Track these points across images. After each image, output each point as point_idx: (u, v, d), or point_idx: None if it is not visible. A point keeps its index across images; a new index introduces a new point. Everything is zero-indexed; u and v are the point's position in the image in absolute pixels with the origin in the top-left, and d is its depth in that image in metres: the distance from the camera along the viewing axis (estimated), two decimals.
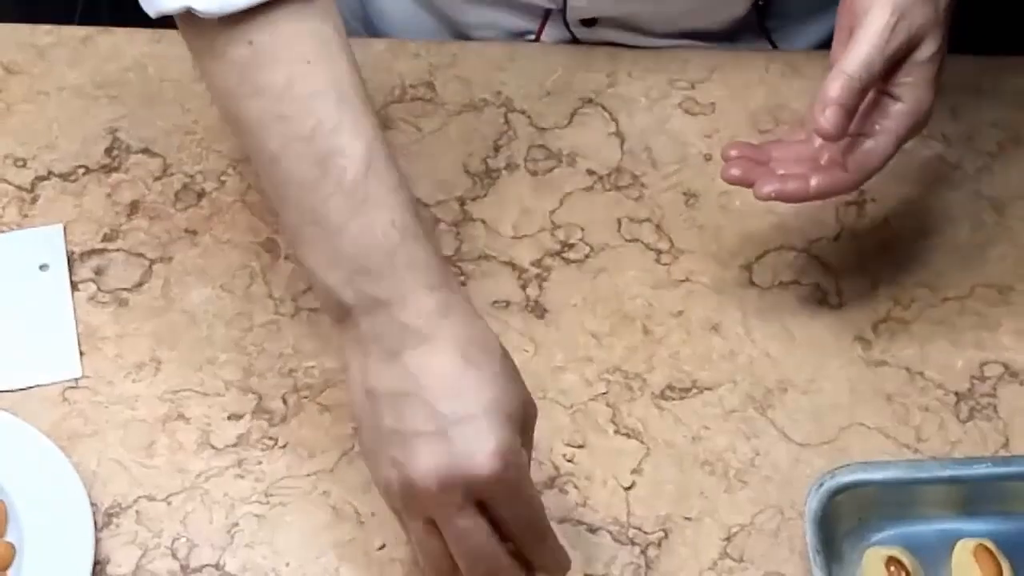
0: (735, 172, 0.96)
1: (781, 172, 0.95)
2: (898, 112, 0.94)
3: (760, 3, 1.13)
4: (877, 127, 0.94)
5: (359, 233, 0.83)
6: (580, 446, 0.97)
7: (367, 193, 0.83)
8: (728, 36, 1.15)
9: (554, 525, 0.94)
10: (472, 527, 0.82)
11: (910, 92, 0.93)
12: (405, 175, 0.86)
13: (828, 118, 0.90)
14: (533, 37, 1.15)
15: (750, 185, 0.95)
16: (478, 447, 0.81)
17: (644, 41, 1.14)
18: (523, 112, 1.11)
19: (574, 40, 1.15)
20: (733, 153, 0.96)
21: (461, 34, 1.17)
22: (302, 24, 0.85)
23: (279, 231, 1.04)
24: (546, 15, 1.14)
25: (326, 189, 0.83)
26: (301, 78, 0.84)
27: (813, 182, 0.94)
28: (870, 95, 0.93)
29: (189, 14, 0.85)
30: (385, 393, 0.83)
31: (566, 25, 1.13)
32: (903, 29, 0.91)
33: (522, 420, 0.84)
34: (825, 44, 0.99)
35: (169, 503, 0.94)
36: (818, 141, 0.95)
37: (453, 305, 0.84)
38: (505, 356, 0.85)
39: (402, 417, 0.82)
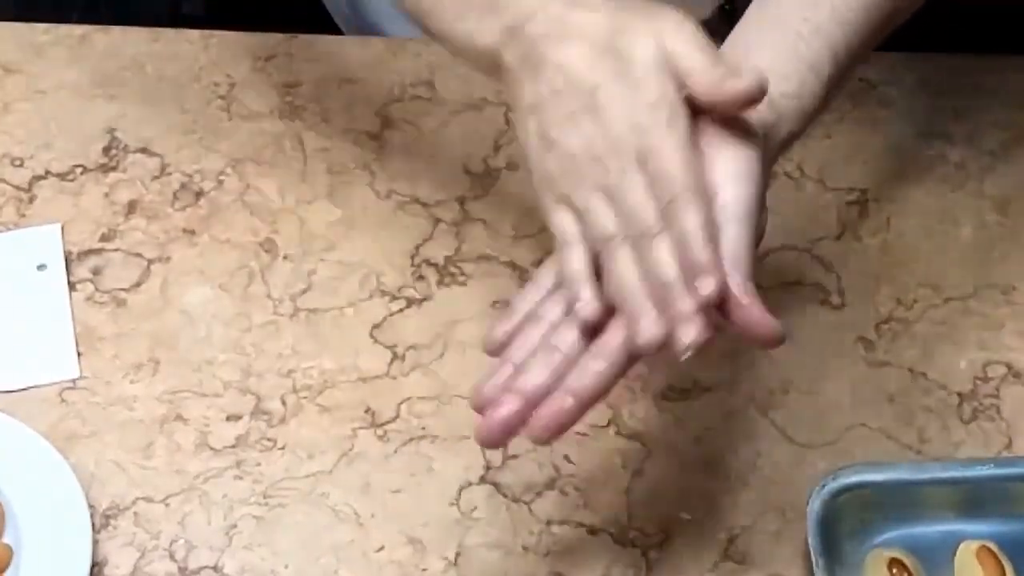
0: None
1: None
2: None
3: (726, 7, 1.13)
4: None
5: None
6: (580, 447, 0.97)
7: None
8: None
9: (554, 526, 0.94)
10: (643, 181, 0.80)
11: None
12: None
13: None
14: None
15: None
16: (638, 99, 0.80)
17: None
18: None
19: None
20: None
21: None
22: None
23: (278, 231, 1.04)
24: None
25: None
26: None
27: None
28: None
29: None
30: (537, 102, 0.82)
31: None
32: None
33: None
34: None
35: (167, 504, 0.94)
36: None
37: (575, 5, 0.83)
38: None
39: (554, 110, 0.81)
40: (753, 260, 0.81)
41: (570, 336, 0.81)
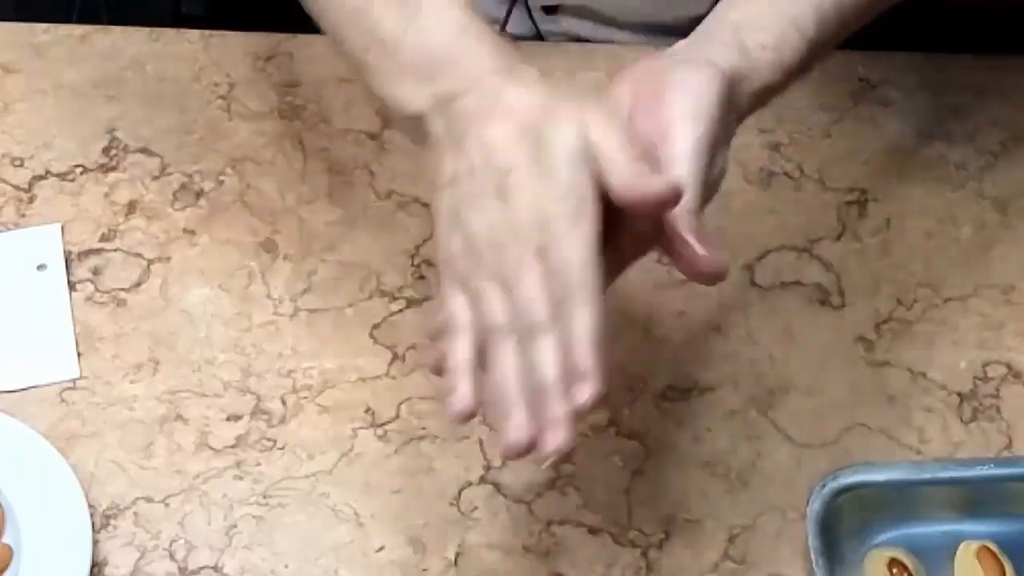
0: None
1: None
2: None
3: None
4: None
5: (415, 40, 0.83)
6: (580, 447, 0.97)
7: (419, 2, 0.84)
8: (691, 33, 1.16)
9: (554, 527, 0.94)
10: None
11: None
12: None
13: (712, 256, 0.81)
14: (497, 27, 1.16)
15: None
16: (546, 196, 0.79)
17: (606, 34, 1.15)
18: None
19: (538, 32, 1.16)
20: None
21: None
22: None
23: (278, 231, 1.04)
24: (512, 2, 1.14)
25: (379, 7, 0.84)
26: None
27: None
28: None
29: None
30: (453, 177, 0.81)
31: (529, 13, 1.14)
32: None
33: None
34: None
35: (167, 504, 0.94)
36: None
37: (516, 78, 0.82)
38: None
39: (466, 189, 0.80)
40: (701, 200, 0.80)
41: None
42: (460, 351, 0.80)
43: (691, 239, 0.79)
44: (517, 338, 0.78)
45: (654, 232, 0.81)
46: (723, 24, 0.85)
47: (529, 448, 0.77)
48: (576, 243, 0.78)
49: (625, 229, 0.81)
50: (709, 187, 0.82)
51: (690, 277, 0.81)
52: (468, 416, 0.79)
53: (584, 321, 0.77)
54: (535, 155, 0.79)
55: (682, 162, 0.80)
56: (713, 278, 0.81)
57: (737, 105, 0.83)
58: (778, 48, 0.84)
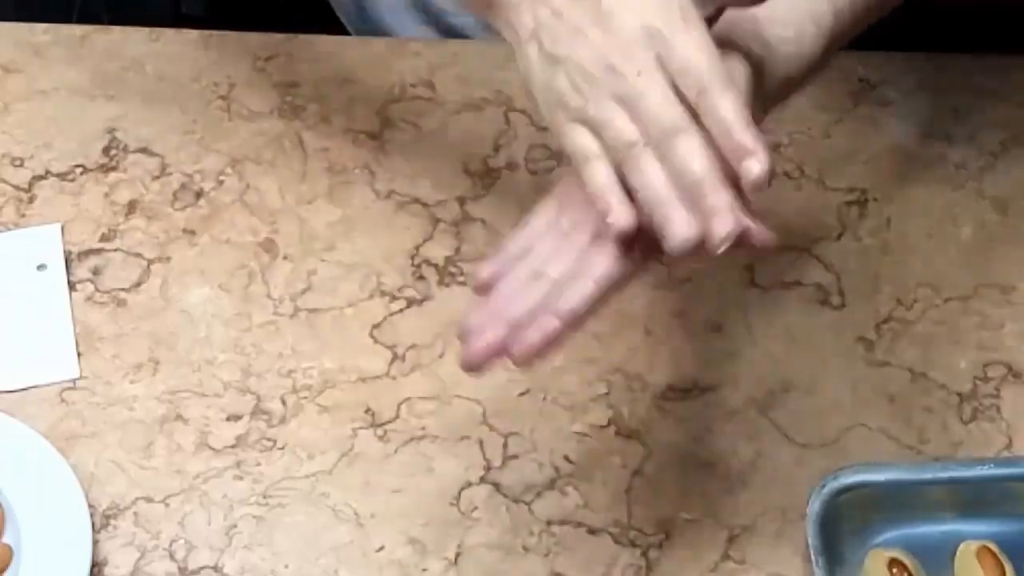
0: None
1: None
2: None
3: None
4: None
5: None
6: (580, 447, 0.97)
7: None
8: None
9: (554, 527, 0.94)
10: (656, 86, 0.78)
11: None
12: None
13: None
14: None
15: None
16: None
17: None
18: (523, 111, 1.10)
19: None
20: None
21: (449, 30, 1.17)
22: None
23: (278, 231, 1.04)
24: None
25: None
26: None
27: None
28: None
29: None
30: (537, 26, 0.81)
31: None
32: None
33: None
34: None
35: (167, 504, 0.94)
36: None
37: None
38: None
39: (557, 29, 0.80)
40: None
41: (561, 264, 0.80)
42: (602, 172, 0.79)
43: (752, 142, 0.77)
44: (655, 148, 0.78)
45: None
46: (744, 17, 0.85)
47: (700, 242, 0.77)
48: (694, 41, 0.78)
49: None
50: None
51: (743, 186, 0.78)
52: (633, 228, 0.78)
53: (730, 104, 0.77)
54: None
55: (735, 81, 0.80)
56: (758, 185, 0.77)
57: (760, 98, 0.83)
58: (798, 41, 0.85)
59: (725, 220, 0.76)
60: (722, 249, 0.76)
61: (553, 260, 0.81)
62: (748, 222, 0.77)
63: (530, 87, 0.83)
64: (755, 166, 0.76)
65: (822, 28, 0.85)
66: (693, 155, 0.77)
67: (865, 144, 1.11)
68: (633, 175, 0.79)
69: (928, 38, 1.14)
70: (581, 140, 0.80)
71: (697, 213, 0.77)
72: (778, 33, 0.84)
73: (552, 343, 0.79)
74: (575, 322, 0.79)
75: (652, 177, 0.78)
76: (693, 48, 0.78)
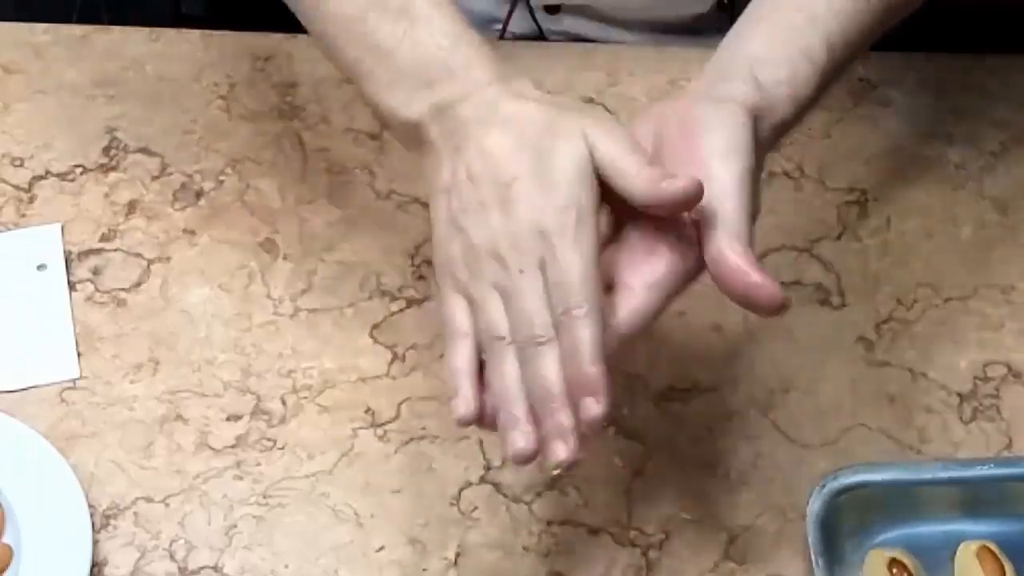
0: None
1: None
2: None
3: (724, 0, 1.13)
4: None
5: (412, 49, 0.84)
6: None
7: (413, 13, 0.84)
8: (694, 31, 1.16)
9: (554, 527, 0.94)
10: (530, 285, 0.79)
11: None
12: None
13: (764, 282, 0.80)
14: (500, 26, 1.16)
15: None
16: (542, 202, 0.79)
17: (607, 33, 1.15)
18: None
19: (539, 31, 1.16)
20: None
21: None
22: None
23: (278, 231, 1.04)
24: (514, 1, 1.14)
25: (373, 17, 0.85)
26: None
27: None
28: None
29: None
30: (452, 184, 0.82)
31: (531, 12, 1.14)
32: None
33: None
34: None
35: (167, 504, 0.94)
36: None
37: (513, 91, 0.83)
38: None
39: (467, 196, 0.81)
40: (752, 232, 0.80)
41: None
42: (460, 356, 0.81)
43: (751, 270, 0.78)
44: (518, 348, 0.79)
45: (698, 265, 0.81)
46: (736, 60, 0.84)
47: (534, 456, 0.78)
48: (576, 257, 0.78)
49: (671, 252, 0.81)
50: (753, 218, 0.81)
51: (752, 309, 0.80)
52: (472, 420, 0.80)
53: (587, 332, 0.77)
54: (536, 166, 0.80)
55: (729, 197, 0.79)
56: (775, 308, 0.80)
57: (759, 141, 0.83)
58: (792, 82, 0.84)
59: (562, 445, 0.78)
60: (555, 472, 0.78)
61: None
62: (582, 454, 0.78)
63: (433, 235, 0.83)
64: (593, 407, 0.77)
65: (816, 66, 0.84)
66: (550, 370, 0.78)
67: (865, 144, 1.11)
68: (491, 367, 0.80)
69: (928, 38, 1.14)
70: (456, 314, 0.81)
71: (542, 425, 0.78)
72: (772, 75, 0.83)
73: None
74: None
75: (507, 377, 0.79)
76: (571, 261, 0.78)
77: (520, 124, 0.81)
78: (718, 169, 0.80)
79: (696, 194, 0.78)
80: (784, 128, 0.85)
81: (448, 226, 0.82)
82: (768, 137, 0.84)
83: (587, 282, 0.78)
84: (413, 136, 0.85)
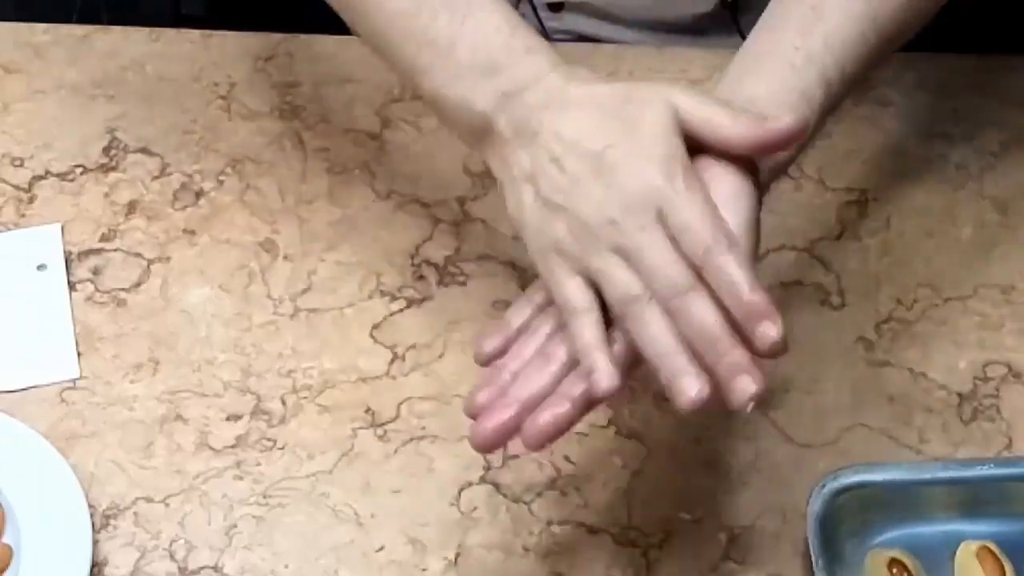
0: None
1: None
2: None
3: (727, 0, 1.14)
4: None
5: (472, 36, 0.84)
6: (580, 447, 0.97)
7: (467, 4, 0.85)
8: (697, 31, 1.16)
9: (554, 527, 0.94)
10: (657, 240, 0.79)
11: None
12: None
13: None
14: None
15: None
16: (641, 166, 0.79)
17: (610, 31, 1.15)
18: None
19: (543, 29, 1.16)
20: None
21: None
22: None
23: (278, 231, 1.04)
24: (516, 0, 1.14)
25: (427, 11, 0.85)
26: None
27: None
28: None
29: None
30: (535, 170, 0.82)
31: (534, 10, 1.14)
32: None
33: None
34: None
35: (167, 504, 0.94)
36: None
37: (575, 75, 0.83)
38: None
39: (556, 177, 0.81)
40: (755, 270, 0.80)
41: (562, 351, 0.81)
42: (588, 331, 0.80)
43: (764, 304, 0.77)
44: (660, 302, 0.78)
45: None
46: (737, 99, 0.84)
47: (712, 401, 0.77)
48: (697, 198, 0.79)
49: None
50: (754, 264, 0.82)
51: (752, 349, 0.78)
52: (616, 391, 0.79)
53: (734, 267, 0.77)
54: (625, 131, 0.80)
55: (738, 239, 0.80)
56: (775, 349, 0.78)
57: (760, 179, 0.83)
58: None
59: (748, 380, 0.76)
60: (749, 409, 0.77)
61: (557, 343, 0.81)
62: (766, 381, 0.77)
63: (520, 226, 0.83)
64: (771, 329, 0.77)
65: (813, 104, 0.84)
66: (706, 314, 0.77)
67: (865, 144, 1.11)
68: (637, 329, 0.79)
69: (928, 38, 1.14)
70: (573, 292, 0.81)
71: (704, 371, 0.77)
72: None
73: (563, 426, 0.80)
74: (586, 406, 0.80)
75: (659, 330, 0.78)
76: (694, 207, 0.78)
77: (594, 103, 0.81)
78: (727, 212, 0.80)
79: (803, 127, 0.80)
80: (782, 169, 0.86)
81: (542, 211, 0.81)
82: (767, 179, 0.84)
83: (715, 219, 0.78)
84: (479, 128, 0.85)
